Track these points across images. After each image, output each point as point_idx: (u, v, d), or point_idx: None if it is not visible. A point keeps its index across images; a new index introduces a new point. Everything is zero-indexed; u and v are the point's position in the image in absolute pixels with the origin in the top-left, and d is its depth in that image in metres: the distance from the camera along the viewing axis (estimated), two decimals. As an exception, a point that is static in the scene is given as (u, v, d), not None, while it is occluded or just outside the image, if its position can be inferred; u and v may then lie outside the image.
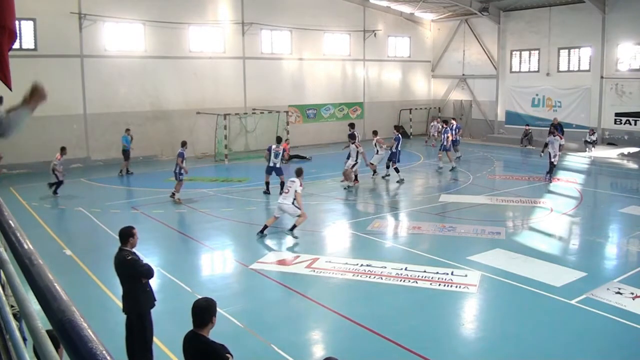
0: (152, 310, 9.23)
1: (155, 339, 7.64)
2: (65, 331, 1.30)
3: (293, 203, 12.54)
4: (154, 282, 10.47)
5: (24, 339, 2.59)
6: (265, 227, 12.81)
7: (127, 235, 7.08)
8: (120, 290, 9.79)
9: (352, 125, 19.96)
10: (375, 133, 19.72)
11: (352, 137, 18.80)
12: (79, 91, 23.03)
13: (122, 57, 23.97)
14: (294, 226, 12.83)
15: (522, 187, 18.40)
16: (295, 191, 12.50)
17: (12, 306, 3.25)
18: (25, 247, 1.97)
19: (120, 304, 8.89)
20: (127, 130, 21.58)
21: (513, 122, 30.33)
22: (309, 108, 30.06)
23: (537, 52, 29.28)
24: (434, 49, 34.93)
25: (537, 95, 29.38)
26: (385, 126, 33.21)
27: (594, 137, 25.78)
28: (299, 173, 12.88)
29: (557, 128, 23.17)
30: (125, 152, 21.25)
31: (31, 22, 21.59)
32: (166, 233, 13.35)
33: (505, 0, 29.39)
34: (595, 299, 8.84)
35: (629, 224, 14.00)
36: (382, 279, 9.92)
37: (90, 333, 1.28)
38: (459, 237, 12.64)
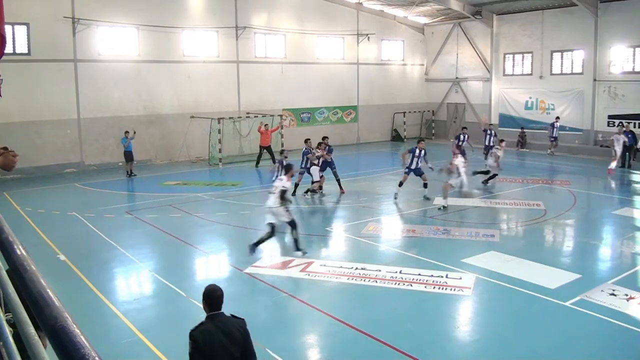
0: (148, 315, 9.23)
1: (149, 344, 7.63)
2: (57, 337, 1.30)
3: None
4: (150, 287, 10.47)
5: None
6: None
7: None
8: (117, 295, 9.80)
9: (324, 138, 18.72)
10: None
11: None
12: (73, 96, 22.96)
13: (115, 62, 23.93)
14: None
15: (516, 190, 18.47)
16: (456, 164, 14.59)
17: (6, 313, 3.23)
18: (19, 252, 1.97)
19: (115, 309, 8.89)
20: (126, 132, 21.68)
21: (507, 125, 30.43)
22: (303, 112, 30.08)
23: (530, 55, 29.41)
24: (428, 52, 35.04)
25: (530, 98, 29.52)
26: (380, 129, 33.42)
27: None
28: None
29: None
30: (125, 153, 21.48)
31: (24, 27, 21.51)
32: (160, 238, 13.31)
33: (498, 4, 29.51)
34: (589, 300, 8.86)
35: (622, 226, 14.07)
36: (376, 282, 9.92)
37: (83, 339, 1.28)
38: (453, 240, 12.66)
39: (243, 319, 4.93)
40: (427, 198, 16.61)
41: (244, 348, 4.84)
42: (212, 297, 4.86)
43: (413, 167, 16.71)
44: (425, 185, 16.81)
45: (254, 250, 11.42)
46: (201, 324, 4.78)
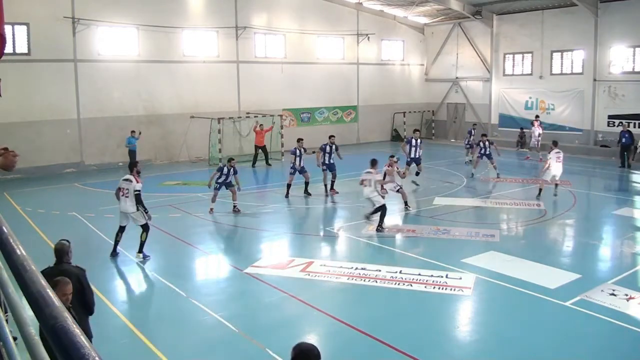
0: (148, 315, 9.23)
1: (149, 344, 7.63)
2: (57, 337, 1.30)
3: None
4: (150, 287, 10.47)
5: (14, 338, 2.57)
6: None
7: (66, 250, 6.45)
8: (117, 295, 9.80)
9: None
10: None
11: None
12: (73, 96, 22.95)
13: (115, 62, 23.92)
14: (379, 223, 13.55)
15: (516, 190, 18.46)
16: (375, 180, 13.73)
17: (6, 312, 3.23)
18: (19, 253, 1.96)
19: (115, 309, 8.89)
20: (133, 131, 21.79)
21: (507, 125, 30.43)
22: (303, 112, 30.08)
23: (530, 55, 29.40)
24: (428, 52, 35.03)
25: (530, 98, 29.50)
26: (380, 129, 33.41)
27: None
28: (373, 163, 14.01)
29: None
30: (130, 153, 21.46)
31: (24, 27, 21.50)
32: (160, 237, 13.30)
33: (498, 4, 29.50)
34: (589, 300, 8.86)
35: (622, 226, 14.08)
36: (376, 282, 9.92)
37: (83, 339, 1.28)
38: (453, 240, 12.65)
39: (84, 269, 6.11)
40: (416, 184, 18.27)
41: (81, 294, 5.81)
42: (56, 250, 6.27)
43: (413, 155, 18.46)
44: (417, 173, 18.35)
45: None
46: (45, 268, 5.94)
